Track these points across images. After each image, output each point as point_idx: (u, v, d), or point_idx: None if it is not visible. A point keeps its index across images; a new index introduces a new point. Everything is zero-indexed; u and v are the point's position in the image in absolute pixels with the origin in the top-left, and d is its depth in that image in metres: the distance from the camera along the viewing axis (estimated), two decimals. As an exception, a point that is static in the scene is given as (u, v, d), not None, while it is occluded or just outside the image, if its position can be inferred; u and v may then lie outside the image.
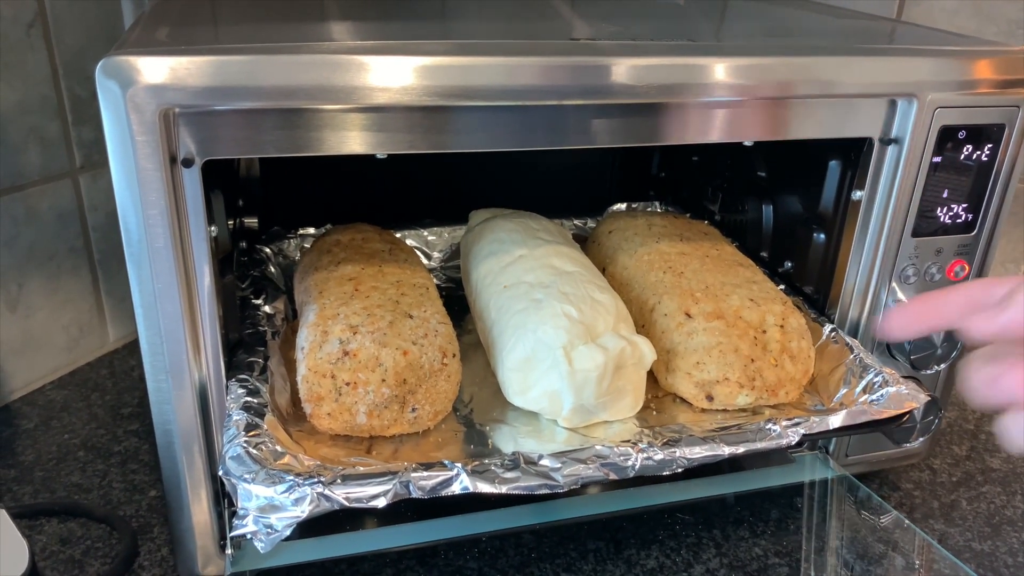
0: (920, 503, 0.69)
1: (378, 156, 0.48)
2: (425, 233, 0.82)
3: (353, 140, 0.47)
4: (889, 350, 0.62)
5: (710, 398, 0.57)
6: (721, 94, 0.51)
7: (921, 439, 0.65)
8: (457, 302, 0.69)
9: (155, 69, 0.42)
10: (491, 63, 0.46)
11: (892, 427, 0.58)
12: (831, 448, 0.66)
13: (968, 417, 0.82)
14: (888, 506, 0.63)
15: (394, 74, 0.45)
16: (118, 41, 0.47)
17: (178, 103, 0.43)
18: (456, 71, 0.46)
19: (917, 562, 0.60)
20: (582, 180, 0.92)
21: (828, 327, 0.61)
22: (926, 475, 0.72)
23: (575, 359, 0.52)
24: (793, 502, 0.67)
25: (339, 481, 0.43)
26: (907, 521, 0.62)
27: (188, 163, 0.45)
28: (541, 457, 0.47)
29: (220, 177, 0.54)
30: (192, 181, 0.45)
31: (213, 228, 0.48)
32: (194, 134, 0.44)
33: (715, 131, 0.54)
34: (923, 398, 0.55)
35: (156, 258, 0.46)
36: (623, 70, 0.49)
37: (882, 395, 0.54)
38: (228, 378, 0.51)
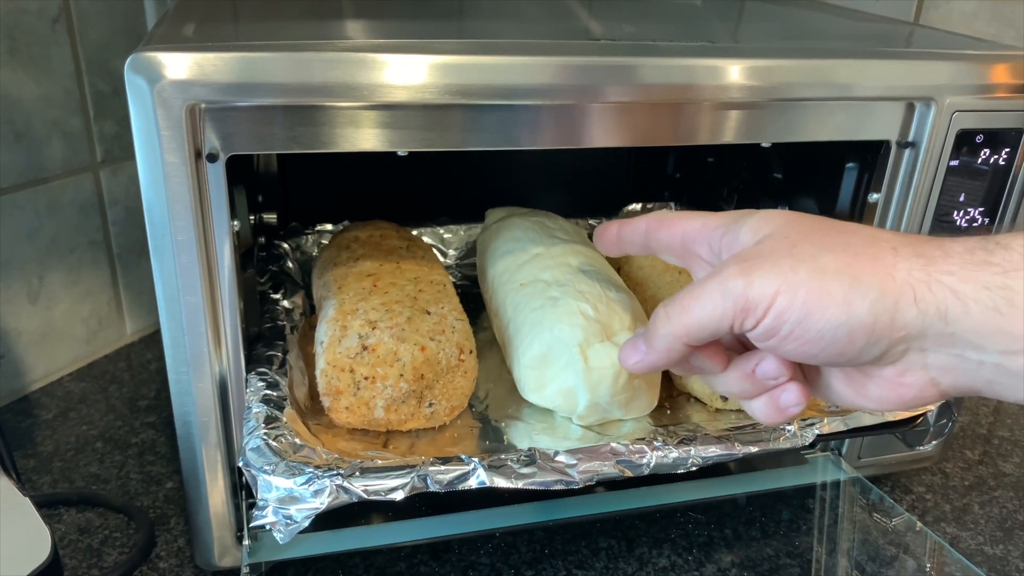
0: (932, 506, 0.69)
1: (399, 154, 0.48)
2: (441, 231, 0.82)
3: (372, 137, 0.48)
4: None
5: (724, 398, 0.57)
6: (739, 96, 0.51)
7: (934, 442, 0.65)
8: (473, 299, 0.69)
9: (182, 65, 0.42)
10: (509, 62, 0.47)
11: (905, 429, 0.58)
12: (844, 450, 0.66)
13: (981, 421, 0.82)
14: (900, 508, 0.63)
15: (413, 72, 0.45)
16: (145, 37, 0.47)
17: (204, 99, 0.43)
18: (474, 70, 0.46)
19: (928, 565, 0.60)
20: (598, 180, 0.92)
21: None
22: (938, 479, 0.72)
23: (591, 357, 0.53)
24: (805, 503, 0.67)
25: (358, 474, 0.44)
26: (919, 524, 0.62)
27: (213, 158, 0.45)
28: (557, 453, 0.47)
29: (241, 172, 0.55)
30: (216, 176, 0.46)
31: (236, 223, 0.49)
32: (219, 129, 0.45)
33: (733, 132, 0.54)
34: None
35: (180, 251, 0.46)
36: (641, 71, 0.49)
37: (896, 397, 0.55)
38: (248, 371, 0.52)
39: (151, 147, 0.44)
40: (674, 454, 0.49)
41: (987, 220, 0.60)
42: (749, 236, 0.39)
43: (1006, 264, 0.34)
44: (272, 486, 0.43)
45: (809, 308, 0.35)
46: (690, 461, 0.49)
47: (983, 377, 0.35)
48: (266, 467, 0.44)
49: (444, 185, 0.86)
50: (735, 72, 0.51)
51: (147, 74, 0.42)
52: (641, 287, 0.65)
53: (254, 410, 0.48)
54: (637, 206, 0.90)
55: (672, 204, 0.91)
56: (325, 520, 0.54)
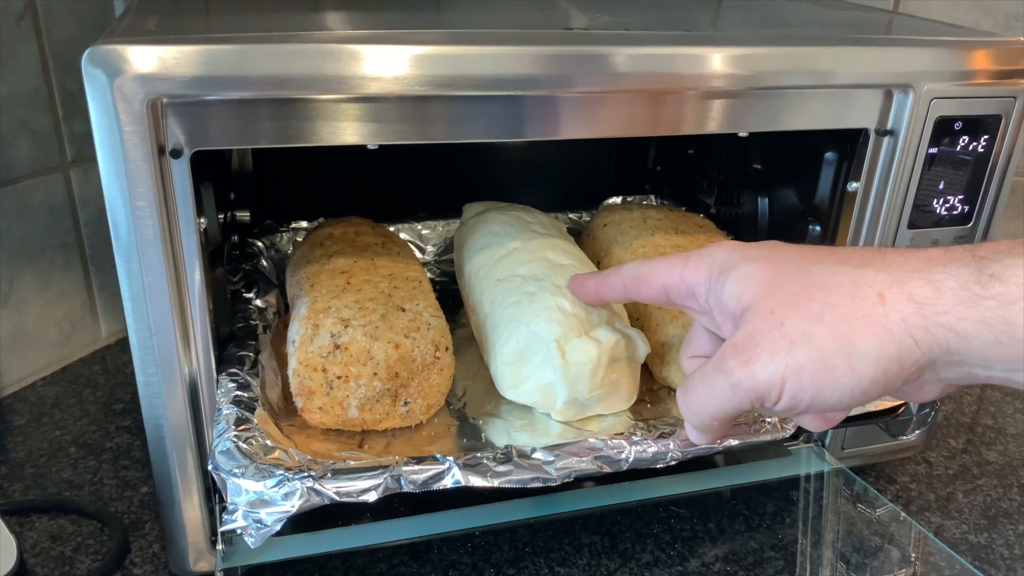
0: (916, 496, 0.69)
1: (369, 147, 0.47)
2: (419, 227, 0.81)
3: (345, 131, 0.47)
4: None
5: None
6: (716, 84, 0.51)
7: (917, 432, 0.64)
8: (451, 296, 0.68)
9: (143, 58, 0.41)
10: (484, 52, 0.46)
11: (888, 419, 0.58)
12: (827, 441, 0.66)
13: (964, 410, 0.82)
14: (884, 499, 0.63)
15: (386, 63, 0.44)
16: (107, 30, 0.46)
17: (166, 93, 0.42)
18: (448, 60, 0.45)
19: (913, 555, 0.59)
20: (577, 174, 0.91)
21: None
22: (922, 468, 0.72)
23: (569, 352, 0.52)
24: (789, 495, 0.67)
25: (329, 475, 0.43)
26: (903, 514, 0.61)
27: (176, 154, 0.44)
28: (534, 450, 0.47)
29: (211, 169, 0.54)
30: (181, 172, 0.45)
31: (203, 220, 0.48)
32: (183, 124, 0.44)
33: (710, 122, 0.53)
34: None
35: (145, 251, 0.45)
36: (618, 60, 0.48)
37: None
38: (218, 372, 0.51)
39: (112, 143, 0.43)
40: (653, 448, 0.48)
41: (967, 208, 0.59)
42: (733, 302, 0.39)
43: (1002, 298, 0.33)
44: (242, 489, 0.42)
45: (819, 386, 0.36)
46: (669, 455, 0.48)
47: (994, 381, 0.36)
48: (235, 470, 0.43)
49: (423, 181, 0.85)
50: (714, 60, 0.50)
51: (106, 67, 0.41)
52: (621, 280, 0.65)
53: (224, 412, 0.47)
54: (617, 199, 0.89)
55: (653, 197, 0.90)
56: (302, 522, 0.53)
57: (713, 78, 0.50)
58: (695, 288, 0.42)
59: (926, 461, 0.73)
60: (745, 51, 0.51)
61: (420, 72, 0.45)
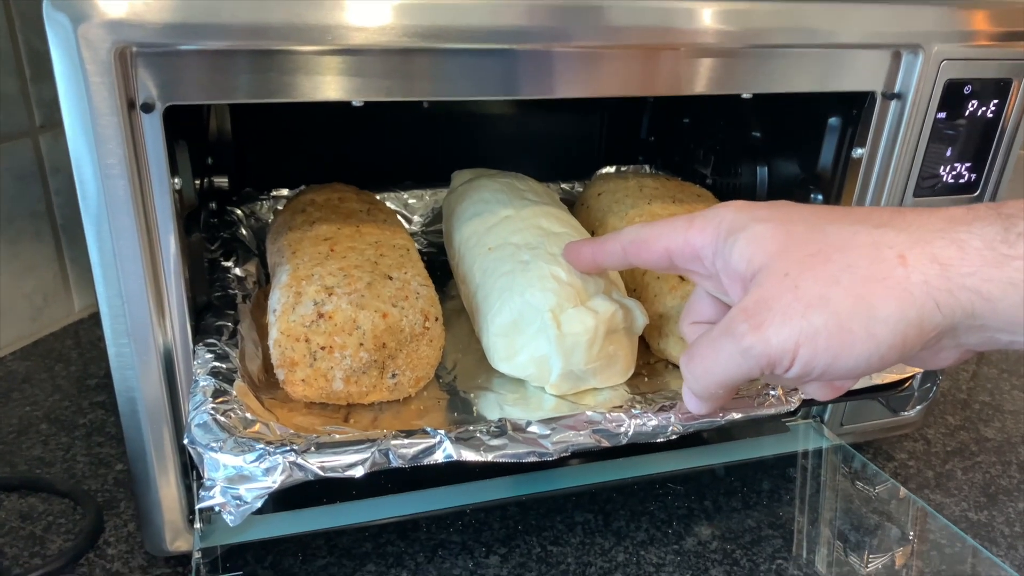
0: (915, 473, 0.67)
1: (354, 103, 0.45)
2: (405, 196, 0.78)
3: (327, 85, 0.44)
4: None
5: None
6: (715, 41, 0.48)
7: (918, 407, 0.63)
8: (439, 267, 0.66)
9: (110, 2, 0.38)
10: (475, 1, 0.43)
11: (891, 394, 0.56)
12: (826, 417, 0.64)
13: (961, 387, 0.81)
14: (884, 475, 0.62)
15: (371, 12, 0.42)
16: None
17: (136, 41, 0.39)
18: (436, 10, 0.43)
19: (912, 532, 0.58)
20: (569, 144, 0.88)
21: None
22: (920, 445, 0.71)
23: (564, 323, 0.50)
24: (787, 472, 0.65)
25: (313, 449, 0.41)
26: (903, 489, 0.60)
27: (148, 108, 0.41)
28: (529, 424, 0.45)
29: (186, 130, 0.51)
30: (153, 128, 0.42)
31: (177, 180, 0.45)
32: (154, 76, 0.41)
33: (708, 82, 0.51)
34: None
35: (115, 213, 0.42)
36: (613, 12, 0.46)
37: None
38: (195, 343, 0.48)
39: (78, 96, 0.40)
40: (653, 422, 0.46)
41: (974, 176, 0.58)
42: (743, 264, 0.37)
43: None
44: (219, 464, 0.40)
45: (834, 351, 0.34)
46: (670, 429, 0.46)
47: (1017, 347, 0.35)
48: (213, 444, 0.40)
49: (409, 149, 0.82)
50: (709, 15, 0.48)
51: (70, 12, 0.38)
52: (616, 251, 0.62)
53: (201, 384, 0.44)
54: (611, 169, 0.87)
55: (647, 167, 0.88)
56: (285, 499, 0.51)
57: (710, 34, 0.48)
58: (701, 251, 0.40)
59: (924, 438, 0.72)
60: (744, 6, 0.48)
61: (407, 22, 0.42)
